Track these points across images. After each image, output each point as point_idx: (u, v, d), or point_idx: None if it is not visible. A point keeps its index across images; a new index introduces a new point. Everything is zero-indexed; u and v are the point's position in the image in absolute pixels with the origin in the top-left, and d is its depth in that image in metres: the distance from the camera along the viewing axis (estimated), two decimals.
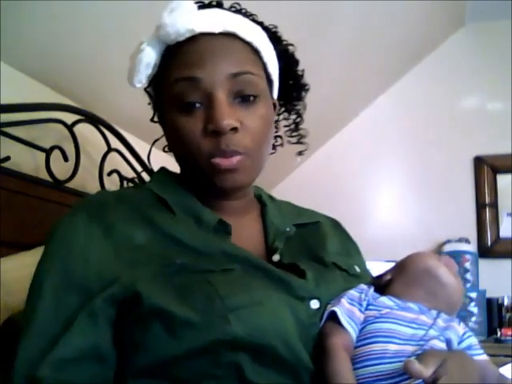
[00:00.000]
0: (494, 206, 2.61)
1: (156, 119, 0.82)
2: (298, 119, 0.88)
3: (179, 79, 0.70)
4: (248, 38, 0.73)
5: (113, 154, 1.51)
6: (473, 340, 0.68)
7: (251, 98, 0.72)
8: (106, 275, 0.63)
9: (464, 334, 0.68)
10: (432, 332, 0.64)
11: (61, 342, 0.59)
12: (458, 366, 0.58)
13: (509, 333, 2.25)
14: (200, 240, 0.69)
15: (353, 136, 2.83)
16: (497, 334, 2.29)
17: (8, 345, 0.63)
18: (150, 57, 0.73)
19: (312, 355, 0.62)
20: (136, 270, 0.63)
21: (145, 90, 0.80)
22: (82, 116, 1.39)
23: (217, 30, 0.71)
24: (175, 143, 0.75)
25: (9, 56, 1.23)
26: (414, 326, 0.64)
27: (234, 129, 0.69)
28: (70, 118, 1.35)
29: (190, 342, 0.59)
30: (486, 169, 2.64)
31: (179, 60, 0.71)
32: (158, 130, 0.81)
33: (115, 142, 1.53)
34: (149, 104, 0.83)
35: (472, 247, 2.53)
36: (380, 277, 0.78)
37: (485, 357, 0.68)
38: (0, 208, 1.09)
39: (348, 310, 0.65)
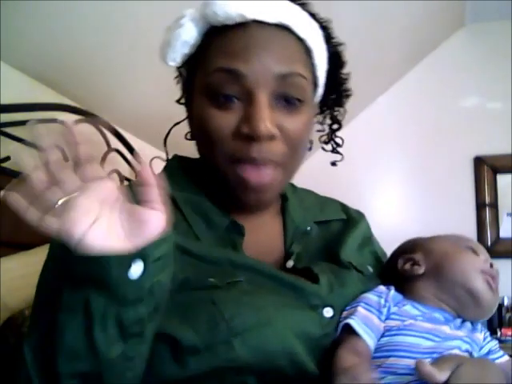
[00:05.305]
0: (494, 205, 2.61)
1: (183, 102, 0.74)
2: (335, 126, 0.80)
3: (220, 69, 0.62)
4: (302, 35, 0.65)
5: (113, 154, 1.51)
6: (492, 344, 0.67)
7: (296, 103, 0.64)
8: None
9: (484, 339, 0.66)
10: (454, 343, 0.62)
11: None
12: (476, 371, 0.55)
13: (509, 333, 2.25)
14: (207, 247, 0.64)
15: (353, 136, 2.82)
16: (497, 334, 2.29)
17: (8, 345, 0.63)
18: (189, 34, 0.65)
19: (322, 366, 0.59)
20: None
21: (177, 68, 0.72)
22: (82, 116, 1.39)
23: (270, 20, 0.62)
24: (199, 136, 0.67)
25: (9, 56, 1.23)
26: (436, 339, 0.61)
27: (272, 137, 0.61)
28: (69, 118, 1.35)
29: (194, 366, 0.56)
30: (486, 169, 2.63)
31: (223, 46, 0.62)
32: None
33: (115, 142, 1.53)
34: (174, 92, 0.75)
35: None
36: (407, 260, 0.71)
37: (506, 358, 0.67)
38: (0, 208, 1.08)
39: (364, 316, 0.62)
